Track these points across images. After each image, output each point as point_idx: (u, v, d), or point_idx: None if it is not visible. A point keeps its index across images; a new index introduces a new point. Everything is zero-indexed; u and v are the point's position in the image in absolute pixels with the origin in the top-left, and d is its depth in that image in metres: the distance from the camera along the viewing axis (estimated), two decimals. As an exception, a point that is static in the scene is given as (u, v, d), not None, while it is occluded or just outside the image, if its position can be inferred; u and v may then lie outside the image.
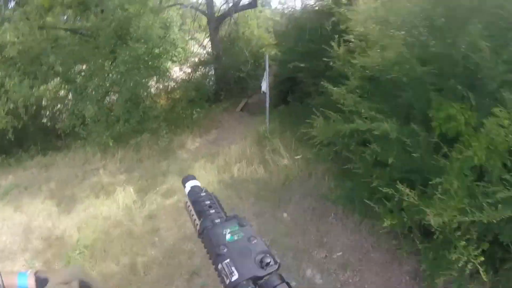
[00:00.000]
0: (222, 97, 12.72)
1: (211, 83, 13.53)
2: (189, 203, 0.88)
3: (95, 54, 8.95)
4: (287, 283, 0.64)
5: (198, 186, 0.94)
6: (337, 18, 6.27)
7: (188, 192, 0.93)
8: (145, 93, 8.89)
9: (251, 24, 15.55)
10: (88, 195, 6.98)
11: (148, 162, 8.09)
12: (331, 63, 5.74)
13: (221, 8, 14.08)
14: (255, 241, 0.72)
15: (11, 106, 8.77)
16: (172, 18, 16.30)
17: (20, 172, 9.10)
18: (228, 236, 0.73)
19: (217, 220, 0.79)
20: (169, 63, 15.01)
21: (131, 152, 8.40)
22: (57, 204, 6.95)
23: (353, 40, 5.51)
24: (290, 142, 7.28)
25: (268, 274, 0.65)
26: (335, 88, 5.18)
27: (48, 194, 7.45)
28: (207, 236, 0.76)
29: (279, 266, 0.68)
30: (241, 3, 13.21)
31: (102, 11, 9.53)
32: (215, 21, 13.19)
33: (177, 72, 13.62)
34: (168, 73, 11.78)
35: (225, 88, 12.96)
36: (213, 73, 13.54)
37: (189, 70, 13.95)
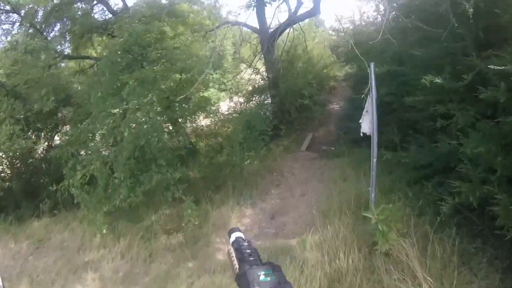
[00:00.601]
0: (282, 132, 8.84)
1: (267, 113, 9.68)
2: (232, 250, 0.89)
3: (94, 84, 5.51)
4: None
5: (242, 237, 0.95)
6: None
7: (232, 242, 0.93)
8: (163, 141, 5.14)
9: (308, 44, 11.72)
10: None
11: (162, 262, 4.41)
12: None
13: (274, 21, 10.15)
14: (286, 285, 0.74)
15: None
16: (225, 47, 13.20)
17: (11, 244, 5.95)
18: (262, 277, 0.75)
19: (255, 265, 0.80)
20: (219, 94, 11.69)
21: (138, 241, 4.73)
22: None
23: None
24: (423, 239, 3.20)
25: None
26: None
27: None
28: (244, 276, 0.77)
29: None
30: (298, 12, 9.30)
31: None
32: (268, 38, 9.47)
33: (226, 105, 10.23)
34: (211, 106, 8.28)
35: (285, 119, 9.08)
36: (270, 101, 9.75)
37: (241, 100, 10.38)
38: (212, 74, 9.64)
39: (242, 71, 10.88)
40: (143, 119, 4.72)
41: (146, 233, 4.74)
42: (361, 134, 3.98)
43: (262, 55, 9.97)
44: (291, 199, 5.39)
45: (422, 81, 3.31)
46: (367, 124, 3.72)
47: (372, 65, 3.57)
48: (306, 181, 5.96)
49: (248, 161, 6.45)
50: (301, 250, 3.42)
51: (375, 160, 3.56)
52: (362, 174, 4.95)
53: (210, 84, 9.53)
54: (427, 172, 4.14)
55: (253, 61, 10.41)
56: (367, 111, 3.73)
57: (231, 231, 0.97)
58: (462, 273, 2.87)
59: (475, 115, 3.33)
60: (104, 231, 4.51)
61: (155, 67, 5.32)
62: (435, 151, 4.00)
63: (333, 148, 8.02)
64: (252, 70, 10.26)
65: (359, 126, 3.95)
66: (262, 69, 10.40)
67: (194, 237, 4.59)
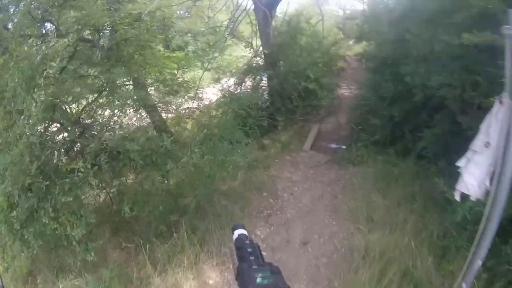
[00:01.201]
0: (281, 124, 6.67)
1: (263, 98, 7.48)
2: (233, 249, 0.86)
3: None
4: None
5: (244, 234, 0.91)
6: None
7: (235, 239, 0.90)
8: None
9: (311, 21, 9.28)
10: None
11: None
12: None
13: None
14: None
15: None
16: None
17: None
18: (258, 280, 0.70)
19: (254, 266, 0.76)
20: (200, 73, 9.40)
21: None
22: None
23: None
24: None
25: None
26: None
27: None
28: (242, 277, 0.74)
29: None
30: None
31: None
32: (265, 5, 7.16)
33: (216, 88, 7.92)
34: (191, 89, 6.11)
35: (284, 108, 6.86)
36: (266, 84, 7.50)
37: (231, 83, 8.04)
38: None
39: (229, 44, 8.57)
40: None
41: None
42: (457, 198, 1.87)
43: (257, 27, 7.70)
44: (285, 251, 3.29)
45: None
46: (480, 178, 1.59)
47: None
48: (311, 211, 3.85)
49: (229, 169, 4.26)
50: None
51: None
52: (400, 209, 2.96)
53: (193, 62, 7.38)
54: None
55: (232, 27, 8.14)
56: (489, 144, 1.59)
57: (235, 228, 0.94)
58: None
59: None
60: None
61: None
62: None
63: (344, 147, 5.90)
64: (244, 45, 7.97)
65: (454, 172, 1.84)
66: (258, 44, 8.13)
67: None
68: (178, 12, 10.53)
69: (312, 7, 11.76)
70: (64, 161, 2.59)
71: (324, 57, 8.25)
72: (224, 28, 11.08)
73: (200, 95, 6.59)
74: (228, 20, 11.70)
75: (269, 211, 4.00)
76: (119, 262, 3.21)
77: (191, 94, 6.36)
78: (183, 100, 6.07)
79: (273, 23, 7.78)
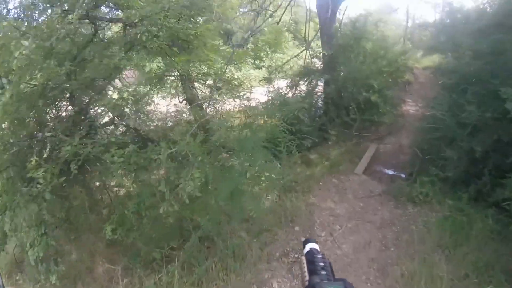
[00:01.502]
0: (331, 140, 5.78)
1: (318, 104, 6.63)
2: (304, 261, 0.82)
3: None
4: None
5: (316, 249, 0.86)
6: None
7: (306, 252, 0.86)
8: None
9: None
10: None
11: None
12: None
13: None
14: None
15: None
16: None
17: None
18: None
19: (325, 281, 0.72)
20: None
21: None
22: None
23: None
24: None
25: None
26: None
27: None
28: None
29: None
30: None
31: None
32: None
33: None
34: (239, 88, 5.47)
35: (339, 119, 5.97)
36: (322, 90, 6.60)
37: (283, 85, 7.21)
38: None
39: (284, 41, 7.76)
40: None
41: None
42: None
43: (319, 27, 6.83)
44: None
45: None
46: None
47: None
48: (351, 265, 2.94)
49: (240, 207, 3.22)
50: None
51: None
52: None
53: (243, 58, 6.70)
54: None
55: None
56: None
57: (306, 242, 0.89)
58: None
59: None
60: None
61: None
62: None
63: (403, 176, 4.90)
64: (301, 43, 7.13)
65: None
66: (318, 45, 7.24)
67: None
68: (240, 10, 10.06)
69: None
70: (33, 162, 2.08)
71: (391, 67, 7.18)
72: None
73: (246, 95, 5.94)
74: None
75: (296, 255, 3.11)
76: (101, 281, 2.66)
77: (237, 93, 5.73)
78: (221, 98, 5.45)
79: (336, 23, 6.88)
